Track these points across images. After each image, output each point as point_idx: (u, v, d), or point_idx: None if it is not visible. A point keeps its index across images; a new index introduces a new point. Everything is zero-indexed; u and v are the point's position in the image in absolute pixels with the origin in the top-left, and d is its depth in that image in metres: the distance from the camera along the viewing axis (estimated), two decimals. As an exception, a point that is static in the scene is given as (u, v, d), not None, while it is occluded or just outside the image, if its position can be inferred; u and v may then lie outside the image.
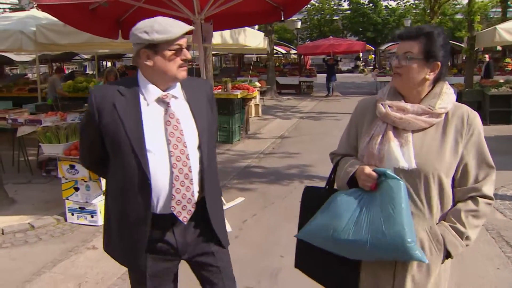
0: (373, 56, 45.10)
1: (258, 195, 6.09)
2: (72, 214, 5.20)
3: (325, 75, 22.66)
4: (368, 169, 1.86)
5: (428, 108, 1.88)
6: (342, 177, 1.98)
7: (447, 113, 1.90)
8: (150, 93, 2.00)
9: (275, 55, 26.88)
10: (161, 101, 2.01)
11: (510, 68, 20.89)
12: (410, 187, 1.85)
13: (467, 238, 1.86)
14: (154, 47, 1.93)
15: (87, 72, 30.82)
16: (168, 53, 1.94)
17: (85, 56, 24.35)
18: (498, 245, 4.34)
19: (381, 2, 42.22)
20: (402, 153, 1.86)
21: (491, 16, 28.99)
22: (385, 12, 42.10)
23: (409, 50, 1.87)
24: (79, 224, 5.15)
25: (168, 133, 1.96)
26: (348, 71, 43.19)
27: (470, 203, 1.87)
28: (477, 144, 1.88)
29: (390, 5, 42.30)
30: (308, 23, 43.63)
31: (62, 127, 5.49)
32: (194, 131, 2.04)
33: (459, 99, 13.16)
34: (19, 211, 5.54)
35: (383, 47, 36.73)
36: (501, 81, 13.12)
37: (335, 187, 2.11)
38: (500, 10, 23.21)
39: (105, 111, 1.96)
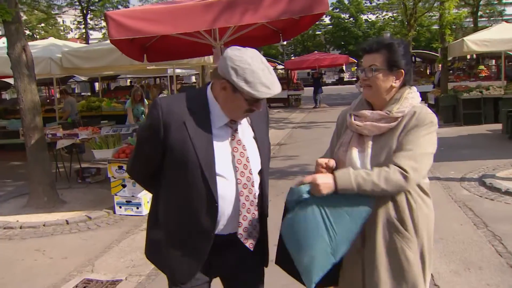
0: (356, 68, 46.76)
1: (270, 188, 7.26)
2: (120, 207, 6.32)
3: (311, 88, 24.05)
4: (318, 180, 1.93)
5: (385, 113, 2.02)
6: None
7: (404, 116, 2.02)
8: (219, 116, 1.96)
9: (264, 71, 28.14)
10: (228, 126, 1.99)
11: (483, 75, 22.27)
12: None
13: (359, 180, 1.91)
14: (235, 87, 1.85)
15: (75, 92, 32.00)
16: (241, 96, 1.87)
17: (82, 78, 25.36)
18: (462, 210, 5.60)
19: (361, 16, 44.09)
20: (360, 158, 2.02)
21: (466, 26, 30.79)
22: (365, 25, 43.96)
23: (373, 63, 2.03)
24: (127, 215, 6.27)
25: (235, 159, 1.96)
26: (333, 83, 44.73)
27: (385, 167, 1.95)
28: (414, 134, 1.97)
29: (370, 19, 44.18)
30: (292, 38, 45.20)
31: (110, 136, 6.64)
32: (258, 157, 2.05)
33: (436, 103, 14.60)
34: (71, 208, 6.65)
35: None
36: (472, 86, 14.54)
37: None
38: (472, 20, 25.00)
39: (173, 127, 1.90)
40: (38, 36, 33.44)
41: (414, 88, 2.10)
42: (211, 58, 6.89)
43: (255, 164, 2.03)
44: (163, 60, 7.94)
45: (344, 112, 2.25)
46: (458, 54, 15.30)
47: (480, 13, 35.10)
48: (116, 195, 6.32)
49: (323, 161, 2.07)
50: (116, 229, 5.74)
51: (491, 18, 39.19)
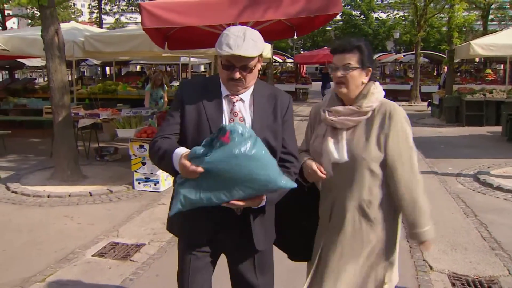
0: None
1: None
2: (139, 183, 6.83)
3: (318, 82, 24.48)
4: (314, 166, 2.29)
5: (356, 108, 2.26)
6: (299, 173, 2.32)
7: (373, 110, 2.27)
8: (222, 91, 2.19)
9: (273, 64, 28.60)
10: (228, 100, 2.18)
11: (490, 78, 22.58)
12: (345, 174, 2.27)
13: None
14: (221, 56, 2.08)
15: (85, 75, 32.49)
16: (221, 65, 2.10)
17: (95, 62, 25.84)
18: (455, 201, 6.08)
19: (372, 14, 44.23)
20: (336, 149, 2.25)
21: (477, 29, 31.06)
22: (375, 23, 44.09)
23: (348, 62, 2.24)
24: (145, 190, 6.77)
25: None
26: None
27: None
28: (397, 134, 2.23)
29: (381, 17, 44.32)
30: (303, 33, 45.32)
31: (133, 117, 7.14)
32: None
33: (441, 104, 15.02)
34: (93, 183, 7.16)
35: (373, 57, 38.68)
36: (476, 88, 14.95)
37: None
38: (481, 24, 25.30)
39: (190, 98, 2.18)
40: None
41: (377, 83, 2.33)
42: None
43: None
44: (183, 48, 8.39)
45: (317, 107, 2.48)
46: (464, 57, 15.67)
47: (491, 16, 35.41)
48: (136, 171, 6.81)
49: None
50: (136, 203, 6.24)
51: (502, 22, 39.37)
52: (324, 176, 2.28)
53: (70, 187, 6.79)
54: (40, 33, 10.50)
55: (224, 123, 2.10)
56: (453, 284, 3.80)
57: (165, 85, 10.06)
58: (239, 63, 2.05)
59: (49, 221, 5.50)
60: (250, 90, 2.21)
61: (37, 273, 4.08)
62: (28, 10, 31.06)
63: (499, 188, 6.55)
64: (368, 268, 2.31)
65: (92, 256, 4.48)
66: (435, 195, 6.33)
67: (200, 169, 1.88)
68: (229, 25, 6.69)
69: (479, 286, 3.78)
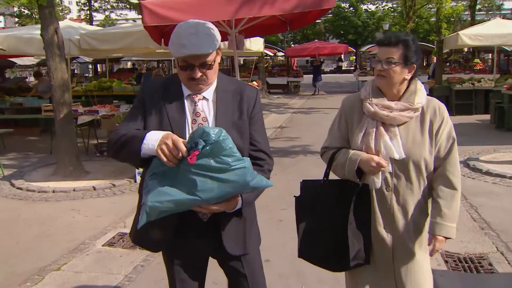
0: (354, 57, 47.38)
1: (275, 164, 7.98)
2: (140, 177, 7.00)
3: (309, 75, 24.72)
4: (377, 158, 2.19)
5: (409, 105, 2.22)
6: (348, 165, 2.25)
7: (422, 107, 2.24)
8: (183, 91, 2.08)
9: (265, 57, 28.79)
10: (190, 99, 2.07)
11: (478, 68, 22.90)
12: (402, 172, 2.23)
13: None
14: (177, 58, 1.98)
15: (75, 73, 32.46)
16: (179, 67, 1.99)
17: (87, 59, 25.86)
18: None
19: (361, 6, 44.40)
20: (393, 146, 2.20)
21: (464, 19, 31.38)
22: (365, 15, 44.27)
23: (391, 56, 2.17)
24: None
25: (192, 130, 2.02)
26: (331, 71, 45.34)
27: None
28: (447, 127, 2.25)
29: (370, 9, 44.53)
30: (293, 27, 45.46)
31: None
32: None
33: (431, 94, 15.32)
34: (95, 177, 7.34)
35: (363, 49, 38.97)
36: (465, 78, 15.25)
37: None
38: (469, 14, 25.61)
39: (152, 98, 2.08)
40: (36, 16, 33.79)
41: (418, 80, 2.32)
42: (226, 43, 7.50)
43: None
44: (179, 44, 8.53)
45: (352, 99, 2.40)
46: (453, 47, 16.00)
47: (479, 6, 35.76)
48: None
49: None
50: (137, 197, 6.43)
51: (489, 12, 39.80)
52: (387, 163, 2.20)
53: (74, 182, 6.97)
54: (35, 31, 10.68)
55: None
56: (446, 261, 4.05)
57: None
58: (197, 62, 1.93)
59: (57, 214, 5.69)
60: (213, 86, 2.10)
61: (52, 263, 4.28)
62: (15, 8, 31.02)
63: (488, 173, 6.83)
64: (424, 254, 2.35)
65: (102, 246, 4.68)
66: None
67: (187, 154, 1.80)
68: (227, 21, 6.95)
69: (469, 262, 4.04)
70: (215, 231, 2.09)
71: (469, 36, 13.69)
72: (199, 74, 1.96)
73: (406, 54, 2.17)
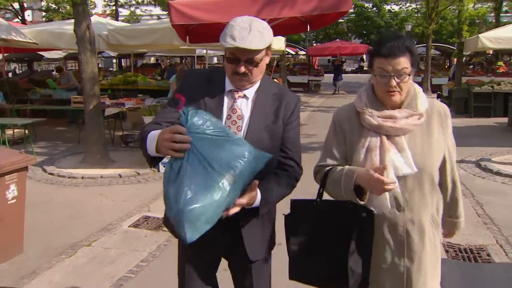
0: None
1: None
2: (164, 166, 7.39)
3: (330, 74, 24.94)
4: (377, 174, 1.83)
5: (413, 111, 1.97)
6: (345, 182, 1.94)
7: (427, 111, 2.01)
8: (226, 85, 2.08)
9: (286, 56, 29.06)
10: (231, 95, 2.07)
11: (501, 71, 22.79)
12: (415, 187, 1.97)
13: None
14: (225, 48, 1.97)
15: (100, 66, 33.19)
16: (226, 58, 1.99)
17: (112, 54, 26.50)
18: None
19: (384, 6, 44.32)
20: (403, 160, 1.93)
21: (490, 21, 31.15)
22: (388, 16, 44.20)
23: (404, 66, 1.90)
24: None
25: (225, 125, 2.00)
26: (352, 71, 45.36)
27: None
28: (450, 130, 2.07)
29: (393, 9, 44.42)
30: (315, 26, 45.58)
31: (158, 105, 7.72)
32: (246, 129, 2.05)
33: (450, 95, 15.43)
34: (120, 166, 7.76)
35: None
36: (485, 80, 15.31)
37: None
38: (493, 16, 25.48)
39: (193, 90, 2.06)
40: (63, 10, 34.67)
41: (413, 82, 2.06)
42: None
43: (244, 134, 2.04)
44: (203, 42, 8.94)
45: (346, 113, 2.13)
46: (473, 50, 16.00)
47: (505, 8, 35.33)
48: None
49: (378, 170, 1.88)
50: (162, 184, 6.82)
51: (516, 15, 39.23)
52: (395, 185, 1.87)
53: (101, 170, 7.41)
54: (66, 27, 11.20)
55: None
56: (447, 251, 4.33)
57: None
58: (244, 56, 1.93)
59: (86, 198, 6.12)
60: (255, 86, 2.09)
61: (83, 240, 4.69)
62: (43, 3, 31.92)
63: (498, 173, 7.04)
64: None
65: (128, 227, 5.08)
66: (438, 179, 6.84)
67: (189, 138, 1.76)
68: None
69: (469, 252, 4.31)
70: (234, 232, 2.07)
71: (489, 39, 13.75)
72: (243, 69, 1.96)
73: (413, 59, 1.95)
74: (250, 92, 2.08)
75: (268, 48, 1.99)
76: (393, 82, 1.92)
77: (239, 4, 5.98)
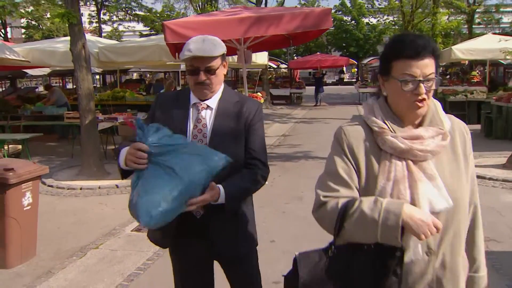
0: (356, 69, 48.29)
1: (278, 167, 8.80)
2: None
3: (312, 87, 25.61)
4: (434, 218, 1.48)
5: (440, 129, 1.65)
6: (385, 222, 1.47)
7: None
8: (191, 99, 2.30)
9: (268, 70, 29.67)
10: (195, 107, 2.28)
11: (475, 80, 23.65)
12: (448, 225, 1.59)
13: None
14: (186, 62, 2.21)
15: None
16: (187, 71, 2.23)
17: (96, 70, 26.79)
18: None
19: (363, 19, 45.45)
20: (437, 193, 1.56)
21: (464, 32, 32.28)
22: (366, 28, 45.30)
23: (432, 71, 1.59)
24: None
25: (193, 134, 2.24)
26: (333, 83, 46.23)
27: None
28: (472, 154, 1.75)
29: (371, 22, 45.53)
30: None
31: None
32: (209, 136, 2.25)
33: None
34: (116, 178, 8.07)
35: (365, 61, 39.93)
36: (460, 90, 16.04)
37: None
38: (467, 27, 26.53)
39: (162, 107, 2.32)
40: (44, 27, 34.89)
41: None
42: (234, 58, 8.35)
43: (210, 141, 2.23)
44: (193, 58, 9.39)
45: (356, 132, 1.69)
46: (447, 61, 16.80)
47: (478, 20, 36.54)
48: (155, 167, 7.79)
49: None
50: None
51: (488, 26, 40.61)
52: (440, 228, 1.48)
53: (98, 181, 7.77)
54: (57, 45, 11.57)
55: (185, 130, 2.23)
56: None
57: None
58: (202, 65, 2.16)
59: (88, 207, 6.48)
60: (217, 96, 2.29)
61: (90, 243, 5.08)
62: (22, 20, 32.12)
63: (470, 175, 7.59)
64: None
65: (131, 231, 5.47)
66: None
67: (146, 146, 2.00)
68: (237, 40, 7.78)
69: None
70: (207, 231, 2.24)
71: (461, 51, 14.54)
72: (203, 77, 2.17)
73: (437, 64, 1.64)
74: (213, 102, 2.29)
75: (224, 59, 2.26)
76: (423, 89, 1.57)
77: (228, 24, 6.46)
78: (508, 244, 4.76)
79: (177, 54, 8.80)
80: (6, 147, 9.82)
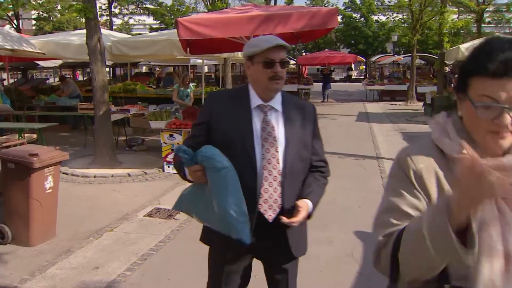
0: (364, 66, 48.37)
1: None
2: (168, 167, 8.13)
3: (319, 83, 25.85)
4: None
5: None
6: (432, 226, 1.14)
7: None
8: (253, 100, 2.23)
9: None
10: (260, 109, 2.22)
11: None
12: None
13: None
14: (252, 59, 2.19)
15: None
16: (259, 64, 2.16)
17: (107, 63, 27.19)
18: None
19: (372, 17, 45.51)
20: None
21: (474, 31, 32.35)
22: (375, 26, 45.36)
23: None
24: (174, 173, 8.02)
25: (262, 137, 2.17)
26: (341, 80, 46.38)
27: None
28: None
29: (380, 20, 45.61)
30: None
31: (163, 111, 8.46)
32: (283, 140, 2.21)
33: (432, 104, 16.35)
34: (128, 167, 8.46)
35: (373, 59, 40.05)
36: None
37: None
38: (476, 27, 26.60)
39: (218, 111, 2.24)
40: (54, 19, 35.34)
41: None
42: (239, 54, 8.66)
43: (282, 145, 2.20)
44: (203, 53, 9.73)
45: (424, 159, 1.37)
46: (454, 60, 16.97)
47: (488, 19, 36.53)
48: (166, 157, 8.14)
49: None
50: (168, 181, 7.56)
51: (499, 25, 40.58)
52: None
53: (111, 170, 8.11)
54: (72, 38, 11.93)
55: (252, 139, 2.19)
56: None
57: (191, 85, 11.12)
58: (278, 57, 2.15)
59: (102, 193, 6.83)
60: (279, 98, 2.26)
61: (105, 226, 5.41)
62: (33, 11, 32.63)
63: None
64: None
65: (144, 216, 5.80)
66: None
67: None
68: (247, 37, 8.07)
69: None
70: (279, 232, 2.23)
71: (469, 49, 14.69)
72: (280, 69, 2.15)
73: None
74: (277, 103, 2.26)
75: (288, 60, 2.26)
76: (507, 119, 1.22)
77: (238, 22, 6.75)
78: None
79: (188, 49, 9.16)
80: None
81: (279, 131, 2.21)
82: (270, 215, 2.17)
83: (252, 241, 2.14)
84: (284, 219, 2.09)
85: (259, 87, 2.22)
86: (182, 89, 10.36)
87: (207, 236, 2.39)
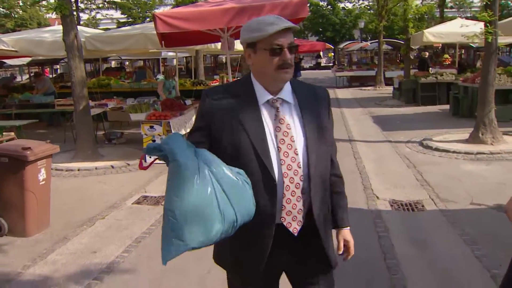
0: (333, 54, 49.00)
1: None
2: (150, 157, 8.32)
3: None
4: None
5: None
6: None
7: None
8: (260, 95, 1.92)
9: (247, 55, 30.10)
10: (270, 105, 1.92)
11: (447, 63, 24.58)
12: None
13: None
14: (254, 46, 1.87)
15: (58, 72, 33.46)
16: (264, 52, 1.84)
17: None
18: (401, 159, 7.87)
19: (338, 4, 46.12)
20: None
21: (438, 16, 33.25)
22: (342, 13, 46.02)
23: None
24: (156, 163, 8.29)
25: (278, 139, 1.87)
26: (310, 68, 46.89)
27: None
28: None
29: (347, 7, 46.26)
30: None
31: (142, 104, 8.67)
32: (303, 137, 1.91)
33: (400, 87, 16.92)
34: (110, 159, 8.65)
35: (341, 46, 40.65)
36: (430, 72, 16.87)
37: None
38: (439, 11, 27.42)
39: (221, 112, 1.91)
40: (16, 16, 34.71)
41: None
42: (217, 45, 8.92)
43: (300, 144, 1.91)
44: (178, 46, 9.93)
45: None
46: (420, 44, 17.59)
47: (450, 4, 37.51)
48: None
49: None
50: (151, 171, 7.76)
51: (460, 10, 41.74)
52: None
53: (93, 163, 8.29)
54: (44, 34, 11.94)
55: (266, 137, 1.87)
56: (391, 205, 5.54)
57: (176, 77, 11.13)
58: (286, 42, 1.85)
59: (88, 185, 7.04)
60: (288, 88, 1.97)
61: (97, 215, 5.66)
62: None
63: (436, 149, 8.37)
64: None
65: (132, 204, 6.07)
66: (387, 157, 8.12)
67: None
68: (221, 28, 8.33)
69: (409, 206, 5.53)
70: (312, 243, 1.99)
71: (433, 34, 15.32)
72: (289, 55, 1.86)
73: None
74: (287, 95, 1.97)
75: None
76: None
77: (213, 15, 6.98)
78: (463, 204, 5.51)
79: (163, 42, 9.35)
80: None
81: (296, 128, 1.92)
82: (295, 228, 1.91)
83: (272, 260, 1.94)
84: (344, 256, 2.09)
85: (265, 79, 1.93)
86: (170, 80, 10.42)
87: (216, 255, 2.14)
